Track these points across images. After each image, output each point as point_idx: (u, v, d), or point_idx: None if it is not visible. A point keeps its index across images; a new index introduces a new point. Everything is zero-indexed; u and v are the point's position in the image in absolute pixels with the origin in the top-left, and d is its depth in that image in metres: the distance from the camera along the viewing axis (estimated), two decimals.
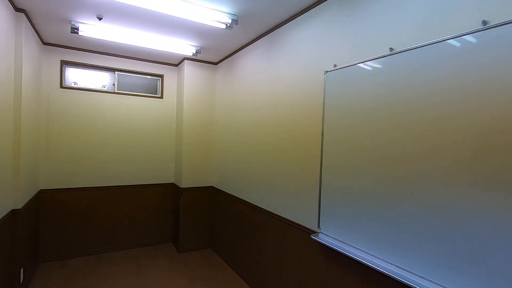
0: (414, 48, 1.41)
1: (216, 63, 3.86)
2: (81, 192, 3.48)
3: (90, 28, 2.64)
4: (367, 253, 1.62)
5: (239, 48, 3.23)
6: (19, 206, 2.41)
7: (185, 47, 3.14)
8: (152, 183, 3.94)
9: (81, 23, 2.61)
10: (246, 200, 3.06)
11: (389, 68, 1.53)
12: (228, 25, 2.42)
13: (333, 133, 1.88)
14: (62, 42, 3.23)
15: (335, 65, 1.92)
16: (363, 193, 1.65)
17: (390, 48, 1.57)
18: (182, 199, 3.71)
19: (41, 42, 3.14)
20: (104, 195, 3.63)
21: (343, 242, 1.77)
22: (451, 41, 1.26)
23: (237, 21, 2.38)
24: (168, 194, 4.06)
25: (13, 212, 2.36)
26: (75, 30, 2.64)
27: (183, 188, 3.70)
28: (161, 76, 3.95)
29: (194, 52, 3.21)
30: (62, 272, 3.11)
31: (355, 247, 1.69)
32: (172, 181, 4.08)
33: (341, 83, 1.84)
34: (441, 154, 1.28)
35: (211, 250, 3.85)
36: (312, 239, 2.00)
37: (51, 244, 3.35)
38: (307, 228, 2.17)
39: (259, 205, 2.82)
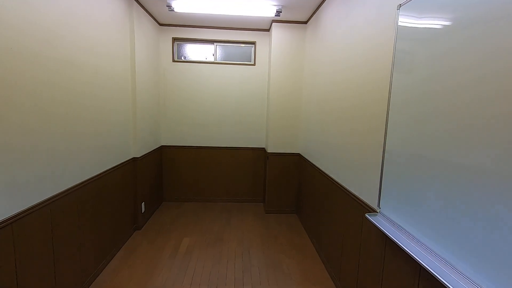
0: None
1: (306, 22, 3.57)
2: (190, 150, 4.19)
3: (179, 4, 2.95)
4: (438, 256, 1.22)
5: (322, 2, 2.84)
6: (138, 155, 3.17)
7: (267, 7, 3.04)
8: (246, 146, 4.25)
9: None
10: (320, 168, 2.86)
11: None
12: None
13: (405, 85, 1.43)
14: (173, 21, 3.78)
15: None
16: (448, 169, 1.21)
17: None
18: (268, 163, 3.85)
19: (157, 24, 3.80)
20: (208, 154, 4.22)
21: (405, 230, 1.38)
22: None
23: None
24: (261, 158, 4.29)
25: (134, 159, 3.13)
26: (171, 8, 3.02)
27: (269, 153, 3.82)
28: (254, 43, 4.03)
29: (275, 11, 3.07)
30: (176, 210, 3.94)
31: (422, 243, 1.29)
32: (264, 146, 4.26)
33: (419, 18, 1.33)
34: None
35: (295, 216, 3.88)
36: (366, 218, 1.68)
37: (171, 189, 4.26)
38: (367, 205, 1.84)
39: (330, 175, 2.58)
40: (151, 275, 2.44)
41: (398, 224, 1.44)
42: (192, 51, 4.08)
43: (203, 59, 4.08)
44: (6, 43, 1.41)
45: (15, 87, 1.47)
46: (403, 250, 1.37)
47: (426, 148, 1.23)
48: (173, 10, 3.06)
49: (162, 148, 4.14)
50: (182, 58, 4.07)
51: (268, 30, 3.96)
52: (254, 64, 4.07)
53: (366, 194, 1.88)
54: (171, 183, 4.25)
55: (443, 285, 1.04)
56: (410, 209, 1.34)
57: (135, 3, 2.96)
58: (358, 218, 1.97)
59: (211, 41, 4.02)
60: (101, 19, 2.36)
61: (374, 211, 1.72)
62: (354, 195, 2.04)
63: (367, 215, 1.67)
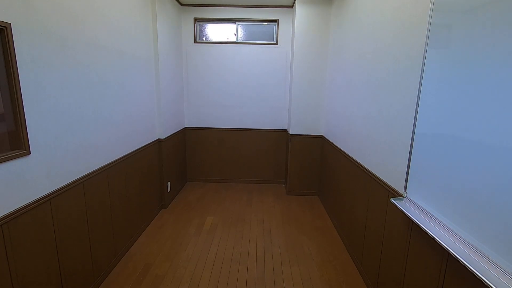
0: None
1: None
2: (212, 131, 4.24)
3: None
4: (472, 246, 1.17)
5: None
6: (162, 137, 3.26)
7: None
8: (269, 128, 4.22)
9: None
10: (343, 150, 2.80)
11: None
12: None
13: (440, 62, 1.32)
14: (194, 1, 3.72)
15: None
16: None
17: None
18: (290, 145, 3.81)
19: (179, 4, 3.76)
20: (230, 135, 4.25)
21: (434, 217, 1.33)
22: None
23: None
24: (283, 139, 4.26)
25: (159, 140, 3.22)
26: None
27: (292, 134, 3.77)
28: (276, 21, 3.89)
29: None
30: (200, 190, 4.07)
31: (453, 231, 1.24)
32: (286, 128, 4.21)
33: (457, 2, 1.20)
34: None
35: (317, 198, 3.87)
36: (392, 203, 1.63)
37: (195, 169, 4.38)
38: (392, 189, 1.78)
39: (353, 157, 2.51)
40: (177, 250, 2.57)
41: (426, 210, 1.39)
42: (214, 32, 4.02)
43: (225, 40, 4.01)
44: (37, 27, 1.45)
45: (46, 70, 1.53)
46: (430, 237, 1.32)
47: (463, 130, 1.14)
48: None
49: (185, 130, 4.22)
50: (204, 39, 4.03)
51: (291, 6, 3.79)
52: (276, 43, 3.95)
53: (391, 178, 1.81)
54: (195, 163, 4.37)
55: (475, 276, 0.99)
56: (442, 196, 1.28)
57: None
58: (383, 202, 1.92)
59: (233, 20, 3.93)
60: (124, 1, 2.36)
61: (400, 195, 1.67)
62: (378, 179, 1.98)
63: (392, 200, 1.62)
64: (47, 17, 1.52)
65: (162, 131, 3.25)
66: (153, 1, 2.93)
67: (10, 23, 1.30)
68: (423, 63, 1.41)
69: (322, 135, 3.75)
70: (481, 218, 1.04)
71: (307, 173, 3.90)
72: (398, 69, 1.76)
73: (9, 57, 1.30)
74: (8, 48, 1.29)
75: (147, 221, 2.99)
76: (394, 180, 1.79)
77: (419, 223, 1.35)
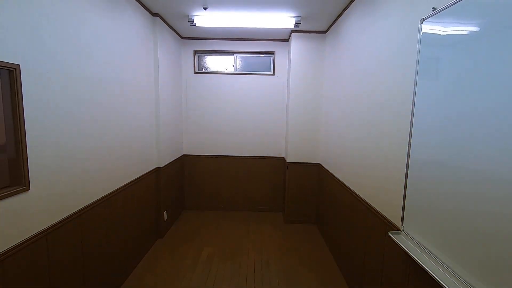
0: None
1: (325, 31, 3.55)
2: (210, 159, 4.26)
3: (201, 19, 3.05)
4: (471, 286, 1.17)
5: (342, 11, 2.82)
6: (161, 165, 3.27)
7: (286, 20, 3.06)
8: (266, 155, 4.26)
9: (195, 15, 3.05)
10: (340, 179, 2.82)
11: None
12: None
13: (429, 93, 1.39)
14: (194, 35, 3.90)
15: (433, 9, 1.37)
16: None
17: None
18: (288, 173, 3.83)
19: (179, 37, 3.93)
20: (227, 163, 4.27)
21: (431, 253, 1.33)
22: None
23: None
24: (280, 167, 4.28)
25: (157, 169, 3.23)
26: (193, 23, 3.12)
27: (289, 162, 3.80)
28: (273, 53, 4.06)
29: (295, 23, 3.08)
30: (197, 219, 4.01)
31: (451, 269, 1.24)
32: (283, 155, 4.25)
33: (442, 31, 1.29)
34: None
35: (315, 227, 3.83)
36: (389, 237, 1.63)
37: (192, 197, 4.35)
38: (390, 222, 1.78)
39: (350, 187, 2.53)
40: (173, 283, 2.49)
41: (423, 245, 1.39)
42: (213, 62, 4.17)
43: (223, 70, 4.16)
44: (44, 66, 1.52)
45: (51, 107, 1.58)
46: (429, 275, 1.31)
47: (458, 159, 1.18)
48: (195, 25, 3.16)
49: (183, 157, 4.24)
50: (203, 69, 4.17)
51: (287, 40, 3.98)
52: (273, 74, 4.09)
53: (388, 210, 1.83)
54: (192, 191, 4.34)
55: None
56: (438, 229, 1.29)
57: (159, 19, 3.09)
58: (381, 235, 1.92)
59: (231, 52, 4.09)
60: (128, 36, 2.48)
61: (398, 229, 1.67)
62: (376, 210, 1.99)
63: (390, 234, 1.62)
64: (55, 55, 1.60)
65: (161, 160, 3.26)
66: (155, 35, 3.07)
67: (19, 65, 1.36)
68: (414, 93, 1.47)
69: (319, 163, 3.79)
70: (480, 253, 1.05)
71: (304, 202, 3.89)
72: (391, 101, 1.83)
73: (16, 97, 1.34)
74: (16, 88, 1.34)
75: (143, 252, 2.92)
76: (391, 212, 1.80)
77: (417, 260, 1.34)
